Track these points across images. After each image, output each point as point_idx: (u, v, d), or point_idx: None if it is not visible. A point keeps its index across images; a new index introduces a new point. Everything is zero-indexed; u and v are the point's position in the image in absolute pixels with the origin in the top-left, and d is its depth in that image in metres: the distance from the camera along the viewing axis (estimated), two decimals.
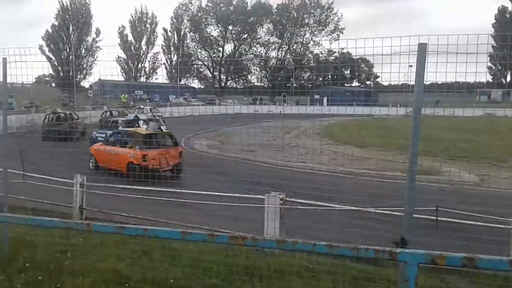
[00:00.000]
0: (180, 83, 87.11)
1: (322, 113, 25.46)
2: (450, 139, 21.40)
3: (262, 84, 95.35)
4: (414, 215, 4.56)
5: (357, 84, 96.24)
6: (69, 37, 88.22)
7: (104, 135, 18.50)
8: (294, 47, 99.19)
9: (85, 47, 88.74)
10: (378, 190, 9.03)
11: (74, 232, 6.05)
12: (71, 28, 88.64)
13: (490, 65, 75.79)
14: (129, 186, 8.83)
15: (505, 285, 5.32)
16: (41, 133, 18.95)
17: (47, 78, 79.94)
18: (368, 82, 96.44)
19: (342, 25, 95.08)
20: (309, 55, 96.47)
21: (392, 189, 8.99)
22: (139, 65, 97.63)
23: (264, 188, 8.01)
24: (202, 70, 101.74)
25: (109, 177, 10.00)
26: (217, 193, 8.66)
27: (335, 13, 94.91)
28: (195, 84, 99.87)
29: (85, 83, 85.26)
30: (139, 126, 18.19)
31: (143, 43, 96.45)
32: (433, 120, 19.90)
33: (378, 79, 73.96)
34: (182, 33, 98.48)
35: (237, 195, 8.40)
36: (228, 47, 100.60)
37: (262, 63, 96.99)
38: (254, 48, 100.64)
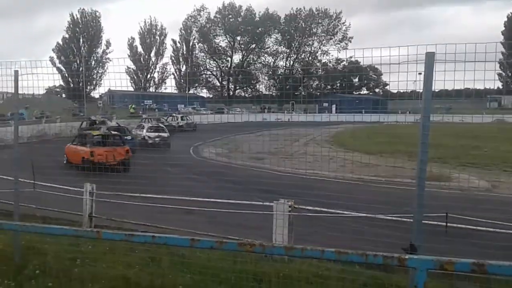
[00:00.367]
0: (189, 92, 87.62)
1: (330, 120, 25.45)
2: (460, 145, 21.23)
3: (270, 93, 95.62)
4: (423, 221, 4.54)
5: (366, 92, 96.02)
6: (80, 49, 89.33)
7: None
8: (302, 56, 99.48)
9: (95, 58, 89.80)
10: (387, 197, 8.99)
11: (83, 240, 6.08)
12: (81, 40, 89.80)
13: (500, 72, 75.42)
14: (137, 194, 8.87)
15: None
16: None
17: (58, 89, 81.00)
18: (377, 90, 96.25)
19: (350, 34, 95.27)
20: (317, 64, 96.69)
21: (402, 195, 8.93)
22: (148, 76, 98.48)
23: (273, 195, 8.01)
24: (210, 80, 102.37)
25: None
26: (225, 201, 8.67)
27: (343, 23, 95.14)
28: (204, 93, 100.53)
29: (95, 94, 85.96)
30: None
31: (152, 54, 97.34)
32: (443, 126, 19.78)
33: (387, 87, 73.87)
34: (191, 44, 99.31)
35: (245, 202, 8.41)
36: (237, 57, 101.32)
37: (270, 72, 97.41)
38: (262, 57, 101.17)
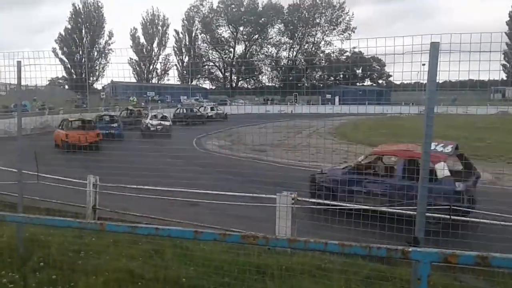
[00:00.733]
0: (192, 84, 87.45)
1: (334, 112, 25.37)
2: (464, 137, 21.15)
3: (273, 84, 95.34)
4: (427, 214, 4.52)
5: (369, 83, 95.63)
6: (82, 40, 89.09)
7: None
8: (306, 47, 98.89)
9: (98, 49, 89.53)
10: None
11: (87, 232, 6.11)
12: (83, 31, 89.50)
13: (504, 63, 74.85)
14: (141, 186, 8.88)
15: None
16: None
17: (60, 81, 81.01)
18: (380, 81, 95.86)
19: (353, 24, 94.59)
20: (321, 54, 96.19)
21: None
22: (151, 67, 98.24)
23: (276, 187, 8.00)
24: (213, 71, 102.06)
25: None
26: (229, 193, 8.67)
27: (347, 13, 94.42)
28: (207, 85, 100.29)
29: (98, 85, 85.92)
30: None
31: (154, 45, 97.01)
32: (447, 118, 19.69)
33: (391, 78, 73.53)
34: (193, 34, 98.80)
35: (248, 194, 8.41)
36: (239, 48, 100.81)
37: (273, 63, 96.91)
38: (265, 48, 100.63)
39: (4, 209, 8.26)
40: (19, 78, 6.42)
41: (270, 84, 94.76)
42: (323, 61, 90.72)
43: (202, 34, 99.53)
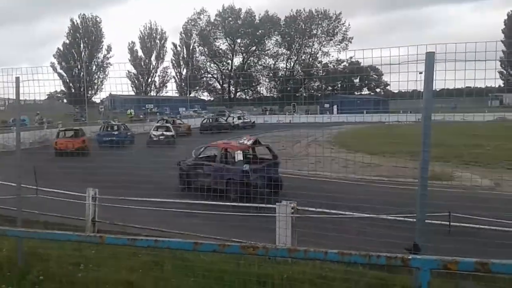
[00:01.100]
0: (190, 95, 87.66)
1: (332, 121, 25.46)
2: (463, 144, 21.19)
3: (272, 95, 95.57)
4: (426, 221, 4.53)
5: (367, 92, 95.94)
6: (80, 54, 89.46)
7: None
8: (303, 57, 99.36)
9: (96, 63, 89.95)
10: (390, 197, 8.97)
11: (86, 245, 6.08)
12: (82, 45, 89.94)
13: (501, 70, 75.27)
14: (140, 198, 8.88)
15: None
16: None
17: (59, 95, 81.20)
18: (378, 90, 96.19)
19: (350, 34, 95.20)
20: (318, 65, 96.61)
21: (404, 195, 8.92)
22: (149, 80, 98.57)
23: (276, 197, 8.00)
24: (211, 83, 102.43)
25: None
26: (228, 203, 8.66)
27: (343, 23, 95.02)
28: (205, 96, 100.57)
29: (96, 99, 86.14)
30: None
31: (152, 58, 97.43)
32: (445, 125, 19.74)
33: (388, 87, 73.74)
34: (191, 47, 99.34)
35: (248, 204, 8.40)
36: (237, 60, 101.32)
37: (271, 74, 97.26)
38: (263, 59, 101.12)
39: (4, 223, 8.22)
40: (17, 93, 6.46)
41: (268, 95, 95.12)
42: (321, 71, 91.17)
43: (200, 47, 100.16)
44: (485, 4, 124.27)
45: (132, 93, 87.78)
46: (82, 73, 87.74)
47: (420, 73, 4.70)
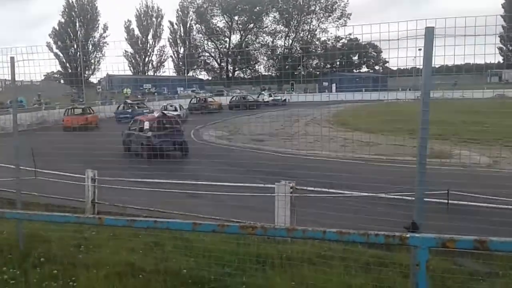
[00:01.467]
0: (188, 75, 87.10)
1: (331, 100, 25.38)
2: (461, 121, 21.15)
3: (270, 74, 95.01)
4: (425, 199, 4.54)
5: (366, 69, 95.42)
6: (76, 34, 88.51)
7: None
8: (301, 35, 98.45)
9: (93, 43, 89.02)
10: (389, 175, 9.00)
11: (87, 226, 6.12)
12: (77, 24, 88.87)
13: (501, 46, 74.69)
14: (140, 179, 8.90)
15: None
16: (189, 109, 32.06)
17: (56, 75, 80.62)
18: (377, 67, 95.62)
19: (348, 10, 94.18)
20: (317, 42, 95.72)
21: (403, 173, 8.94)
22: (146, 59, 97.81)
23: (275, 177, 8.01)
24: (209, 62, 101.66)
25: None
26: (227, 184, 8.68)
27: None
28: (203, 75, 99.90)
29: (94, 79, 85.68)
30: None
31: (149, 37, 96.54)
32: (444, 103, 19.66)
33: (387, 64, 73.28)
34: (188, 25, 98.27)
35: (247, 184, 8.42)
36: (235, 38, 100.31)
37: (269, 52, 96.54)
38: (260, 37, 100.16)
39: (3, 206, 8.26)
40: (13, 74, 6.38)
41: (266, 74, 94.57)
42: (319, 49, 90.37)
43: (197, 25, 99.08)
44: None
45: (130, 73, 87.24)
46: (78, 53, 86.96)
47: (420, 49, 4.63)
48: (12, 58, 6.38)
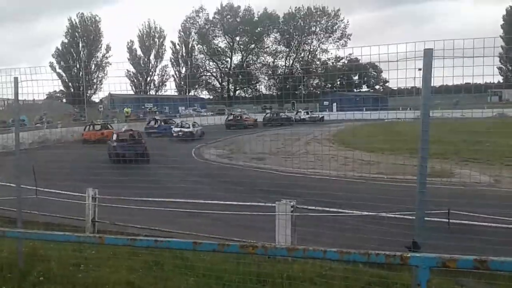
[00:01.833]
0: (189, 94, 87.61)
1: (331, 119, 25.49)
2: (462, 140, 21.15)
3: (271, 93, 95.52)
4: (426, 218, 4.53)
5: (366, 89, 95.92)
6: (79, 54, 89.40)
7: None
8: (302, 55, 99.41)
9: (95, 63, 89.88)
10: (390, 194, 8.96)
11: (86, 245, 6.09)
12: (80, 45, 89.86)
13: (501, 65, 75.32)
14: (140, 198, 8.88)
15: None
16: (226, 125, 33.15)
17: (58, 94, 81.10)
18: (377, 87, 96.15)
19: (349, 31, 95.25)
20: (317, 62, 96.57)
21: (404, 193, 8.93)
22: (148, 79, 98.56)
23: (276, 196, 8.00)
24: (210, 81, 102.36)
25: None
26: (228, 202, 8.66)
27: (341, 20, 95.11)
28: (204, 95, 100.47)
29: (95, 98, 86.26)
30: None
31: (151, 57, 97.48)
32: (444, 122, 19.73)
33: (387, 84, 73.74)
34: (190, 45, 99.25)
35: (248, 203, 8.40)
36: (236, 58, 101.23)
37: (270, 72, 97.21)
38: (262, 57, 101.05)
39: (4, 224, 8.23)
40: (16, 94, 6.44)
41: (267, 93, 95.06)
42: (320, 69, 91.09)
43: (199, 45, 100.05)
44: None
45: (132, 92, 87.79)
46: (81, 73, 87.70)
47: (419, 69, 4.69)
48: (15, 79, 6.45)
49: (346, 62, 77.27)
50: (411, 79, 5.55)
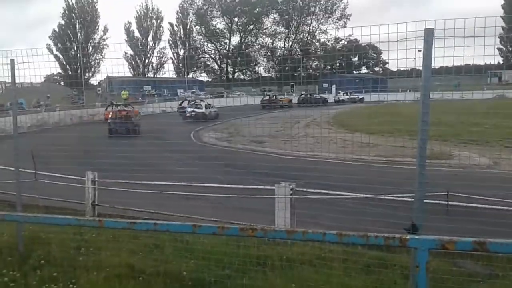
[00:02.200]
0: (188, 76, 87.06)
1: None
2: (461, 122, 21.15)
3: (270, 75, 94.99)
4: (425, 201, 4.53)
5: (366, 71, 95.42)
6: (76, 36, 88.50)
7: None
8: (301, 36, 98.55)
9: (93, 45, 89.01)
10: (389, 177, 8.97)
11: (87, 228, 6.11)
12: (78, 26, 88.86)
13: (501, 46, 74.77)
14: (139, 182, 8.89)
15: None
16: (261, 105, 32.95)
17: (56, 77, 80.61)
18: (376, 69, 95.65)
19: (348, 11, 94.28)
20: (316, 43, 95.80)
21: (403, 175, 8.94)
22: (146, 61, 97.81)
23: (275, 179, 8.00)
24: (209, 63, 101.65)
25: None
26: (228, 186, 8.68)
27: (341, 0, 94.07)
28: (203, 77, 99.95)
29: (94, 81, 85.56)
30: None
31: (149, 38, 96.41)
32: (444, 104, 19.68)
33: (387, 65, 73.34)
34: (188, 27, 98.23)
35: (247, 186, 8.42)
36: (235, 39, 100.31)
37: (269, 54, 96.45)
38: (260, 39, 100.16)
39: (3, 208, 8.26)
40: (13, 76, 6.38)
41: (266, 75, 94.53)
42: (319, 50, 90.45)
43: (197, 26, 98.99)
44: None
45: (130, 74, 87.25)
46: (78, 55, 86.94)
47: (419, 50, 4.63)
48: (12, 61, 6.38)
49: (345, 43, 76.65)
50: (411, 60, 5.50)
